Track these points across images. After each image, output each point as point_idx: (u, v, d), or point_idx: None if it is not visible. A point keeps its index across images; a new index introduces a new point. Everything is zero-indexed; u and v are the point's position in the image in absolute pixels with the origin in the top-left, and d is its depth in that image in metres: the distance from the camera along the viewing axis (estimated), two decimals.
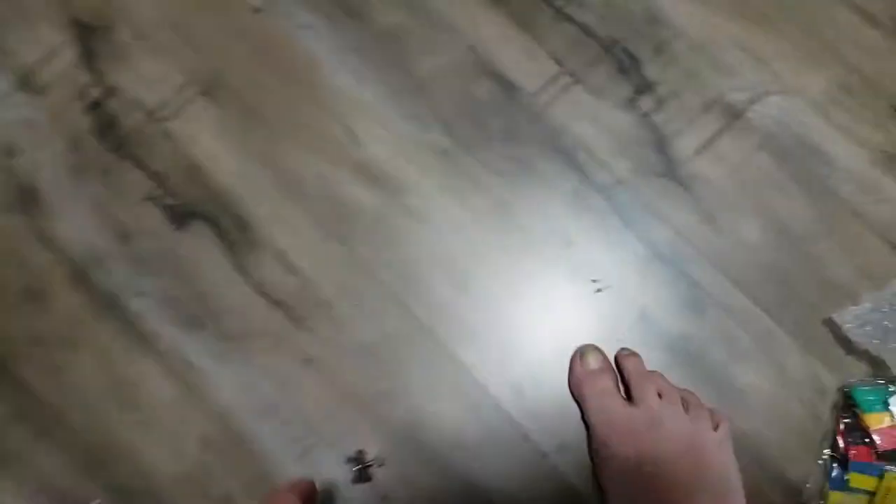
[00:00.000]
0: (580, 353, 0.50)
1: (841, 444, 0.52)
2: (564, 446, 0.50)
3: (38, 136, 0.56)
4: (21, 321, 0.53)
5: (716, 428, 0.48)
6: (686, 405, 0.48)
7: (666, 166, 0.54)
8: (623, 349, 0.51)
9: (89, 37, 0.58)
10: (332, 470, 0.50)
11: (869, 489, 0.50)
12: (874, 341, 0.53)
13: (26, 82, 0.58)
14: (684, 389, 0.50)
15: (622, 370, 0.50)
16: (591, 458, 0.49)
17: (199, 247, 0.54)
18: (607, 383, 0.49)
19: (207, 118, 0.56)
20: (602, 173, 0.55)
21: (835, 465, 0.53)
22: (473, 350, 0.52)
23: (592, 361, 0.50)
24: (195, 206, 0.54)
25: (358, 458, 0.49)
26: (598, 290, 0.53)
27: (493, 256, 0.53)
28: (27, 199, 0.55)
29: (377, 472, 0.49)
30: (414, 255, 0.53)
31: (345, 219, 0.54)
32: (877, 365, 0.52)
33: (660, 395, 0.48)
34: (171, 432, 0.51)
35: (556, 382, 0.51)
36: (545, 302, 0.53)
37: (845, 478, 0.52)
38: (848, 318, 0.53)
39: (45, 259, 0.54)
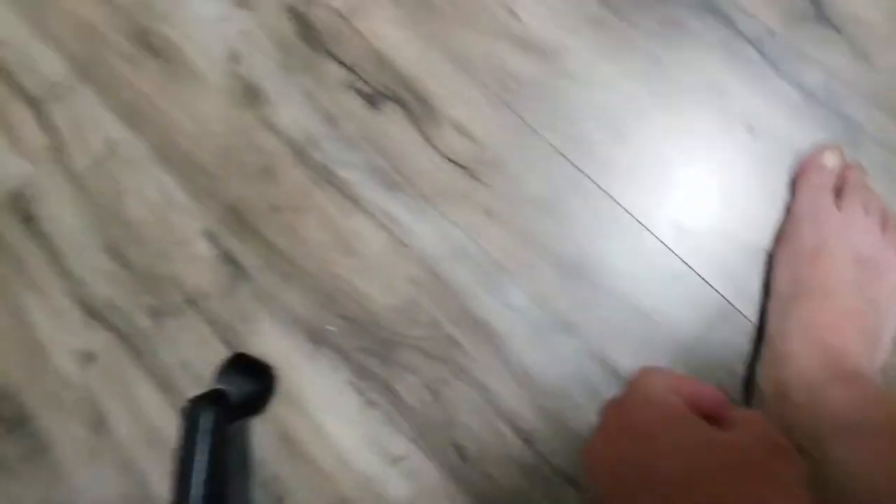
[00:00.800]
0: (823, 148, 0.57)
1: None
2: (728, 276, 0.59)
3: (254, 44, 0.71)
4: (261, 194, 0.69)
5: None
6: (885, 227, 0.54)
7: (816, 10, 0.58)
8: (853, 162, 0.57)
9: None
10: (515, 298, 0.62)
11: None
12: None
13: (241, 2, 0.72)
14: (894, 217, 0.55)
15: (843, 176, 0.56)
16: (776, 243, 0.57)
17: (392, 124, 0.66)
18: (827, 182, 0.55)
19: (387, 14, 0.68)
20: (752, 25, 0.60)
21: None
22: (634, 195, 0.61)
23: (830, 159, 0.56)
24: (385, 90, 0.67)
25: None
26: (752, 137, 0.59)
27: (648, 109, 0.61)
28: (252, 95, 0.71)
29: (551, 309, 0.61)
30: (574, 114, 0.62)
31: (510, 87, 0.64)
32: None
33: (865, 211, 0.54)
34: (383, 274, 0.65)
35: (715, 223, 0.59)
36: (701, 149, 0.60)
37: None
38: None
39: (273, 143, 0.69)
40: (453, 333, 0.63)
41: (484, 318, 0.62)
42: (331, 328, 0.66)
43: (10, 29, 0.82)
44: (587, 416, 0.59)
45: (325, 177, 0.68)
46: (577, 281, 0.61)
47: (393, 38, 0.67)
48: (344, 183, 0.67)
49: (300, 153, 0.69)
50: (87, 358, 0.72)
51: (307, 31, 0.70)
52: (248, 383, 0.66)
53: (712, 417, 0.32)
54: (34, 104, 0.79)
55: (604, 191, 0.61)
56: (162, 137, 0.74)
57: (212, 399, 0.62)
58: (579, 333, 0.60)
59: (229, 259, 0.69)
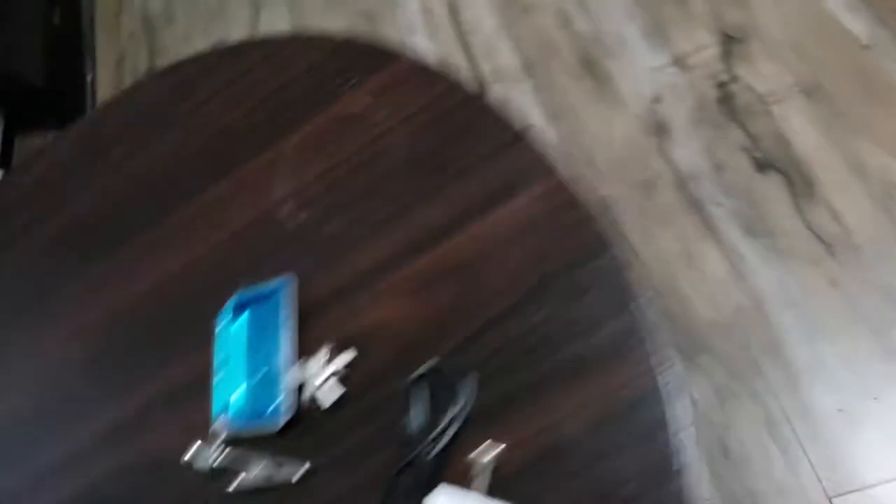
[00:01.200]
0: None
1: None
2: None
3: (677, 95, 0.92)
4: (634, 199, 0.87)
5: None
6: None
7: None
8: None
9: (729, 42, 0.92)
10: (829, 355, 0.72)
11: None
12: None
13: (678, 61, 0.94)
14: None
15: None
16: None
17: (770, 188, 0.82)
18: None
19: (802, 108, 0.84)
20: None
21: None
22: None
23: None
24: (775, 162, 0.83)
25: None
26: None
27: None
28: (660, 128, 0.90)
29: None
30: None
31: (890, 197, 0.76)
32: None
33: None
34: (714, 294, 0.79)
35: None
36: None
37: None
38: None
39: (661, 167, 0.88)
40: (759, 360, 0.74)
41: (792, 360, 0.73)
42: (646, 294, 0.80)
43: (484, 21, 1.11)
44: (860, 475, 0.66)
45: (696, 206, 0.84)
46: None
47: (799, 126, 0.83)
48: (709, 216, 0.83)
49: (682, 183, 0.86)
50: None
51: (726, 100, 0.89)
52: None
53: None
54: (480, 83, 1.07)
55: None
56: (569, 133, 0.96)
57: None
58: (879, 408, 0.68)
59: None
